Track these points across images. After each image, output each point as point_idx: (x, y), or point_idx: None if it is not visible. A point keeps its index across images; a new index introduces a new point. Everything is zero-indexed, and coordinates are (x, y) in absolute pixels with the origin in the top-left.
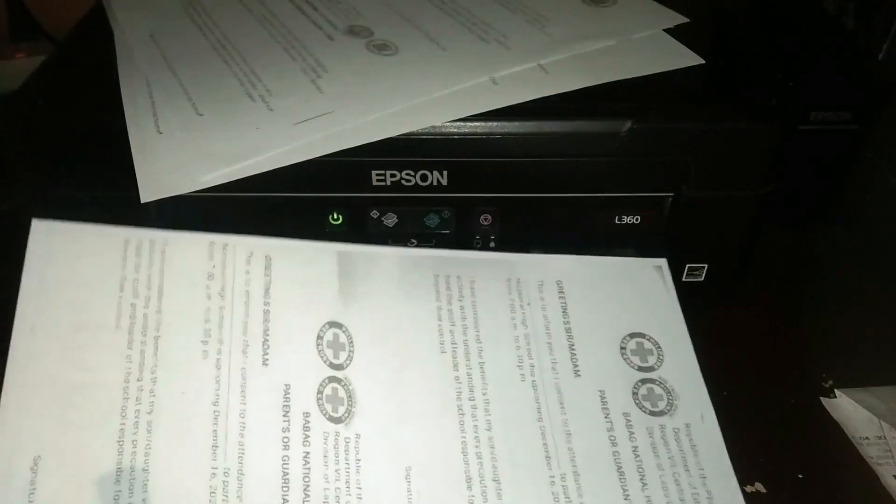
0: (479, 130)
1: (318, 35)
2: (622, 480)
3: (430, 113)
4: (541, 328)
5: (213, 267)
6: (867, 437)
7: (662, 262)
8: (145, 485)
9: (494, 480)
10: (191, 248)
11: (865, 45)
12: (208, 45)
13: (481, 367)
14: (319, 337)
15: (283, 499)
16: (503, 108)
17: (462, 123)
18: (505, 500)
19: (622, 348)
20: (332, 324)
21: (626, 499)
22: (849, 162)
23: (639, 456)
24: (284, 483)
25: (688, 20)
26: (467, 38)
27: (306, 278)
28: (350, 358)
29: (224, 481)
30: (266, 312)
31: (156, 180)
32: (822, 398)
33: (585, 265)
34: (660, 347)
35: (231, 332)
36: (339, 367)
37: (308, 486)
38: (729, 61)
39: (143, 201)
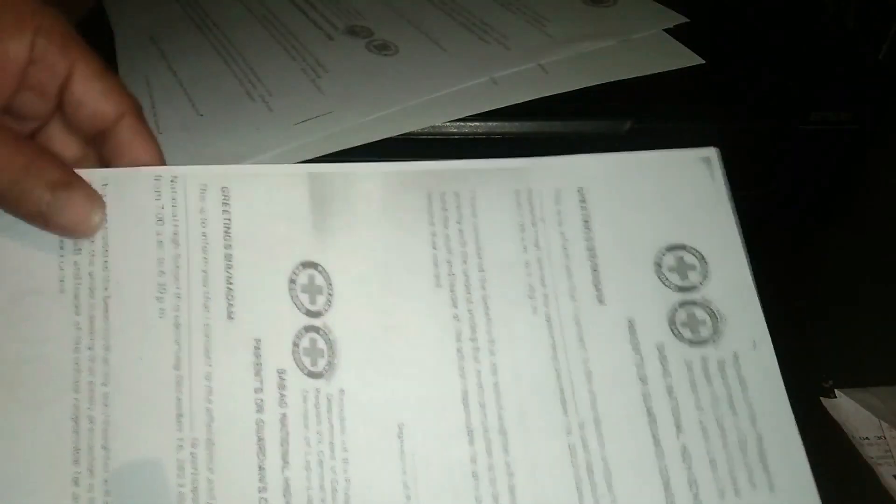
0: (479, 130)
1: (318, 35)
2: (652, 426)
3: (430, 113)
4: (557, 249)
5: (163, 208)
6: (867, 437)
7: (712, 151)
8: (106, 464)
9: (500, 433)
10: (134, 188)
11: (865, 45)
12: (208, 45)
13: (485, 302)
14: (292, 281)
15: (259, 467)
16: (503, 108)
17: (462, 123)
18: (512, 455)
19: (657, 265)
20: (307, 264)
21: (656, 446)
22: (849, 162)
23: (674, 395)
24: (260, 450)
25: (688, 20)
26: (467, 38)
27: (273, 211)
28: (329, 303)
29: (192, 453)
30: (228, 257)
31: None
32: (822, 398)
33: (613, 165)
34: (704, 261)
35: (189, 285)
36: (316, 315)
37: (287, 451)
38: (729, 61)
39: None
